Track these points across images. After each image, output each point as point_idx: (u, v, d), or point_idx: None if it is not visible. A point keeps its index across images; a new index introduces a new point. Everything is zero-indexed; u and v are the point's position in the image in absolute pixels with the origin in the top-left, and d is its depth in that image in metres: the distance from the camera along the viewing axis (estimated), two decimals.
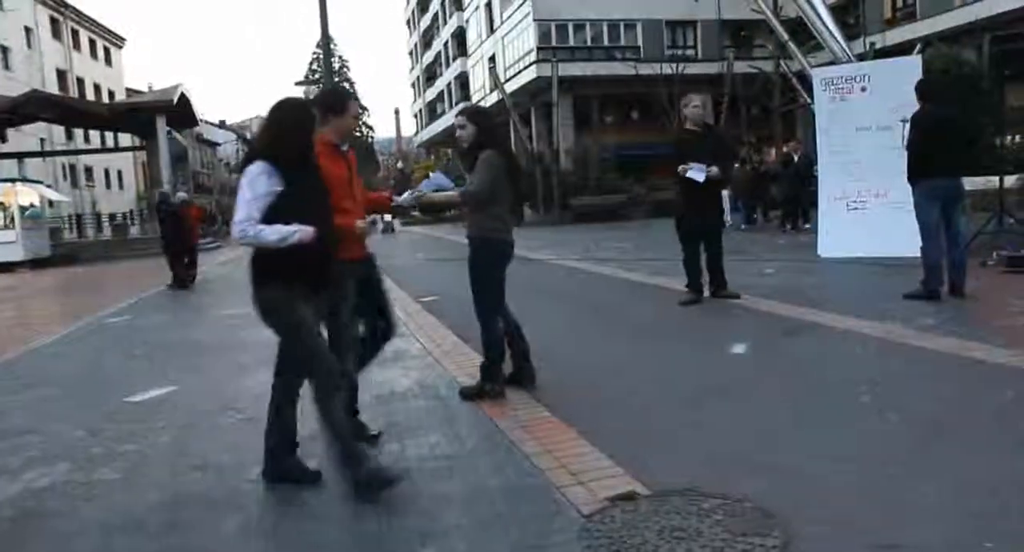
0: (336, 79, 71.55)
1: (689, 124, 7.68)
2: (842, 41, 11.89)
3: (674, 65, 30.64)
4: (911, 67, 10.25)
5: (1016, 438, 3.44)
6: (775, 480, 3.12)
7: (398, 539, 2.85)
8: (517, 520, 2.91)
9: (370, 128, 77.84)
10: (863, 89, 10.32)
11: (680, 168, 7.34)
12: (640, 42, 35.18)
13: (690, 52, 35.28)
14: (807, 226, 15.43)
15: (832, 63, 11.81)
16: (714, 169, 7.23)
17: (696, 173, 7.26)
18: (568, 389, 4.83)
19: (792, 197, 16.69)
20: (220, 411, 4.82)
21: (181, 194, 16.83)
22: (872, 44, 23.63)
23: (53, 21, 43.38)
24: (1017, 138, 19.11)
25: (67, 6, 44.50)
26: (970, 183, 9.02)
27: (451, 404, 4.59)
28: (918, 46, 17.94)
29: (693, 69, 31.58)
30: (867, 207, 10.36)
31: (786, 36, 15.99)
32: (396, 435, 4.04)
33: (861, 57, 16.53)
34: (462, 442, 3.86)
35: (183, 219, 13.92)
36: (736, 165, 19.86)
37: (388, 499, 3.16)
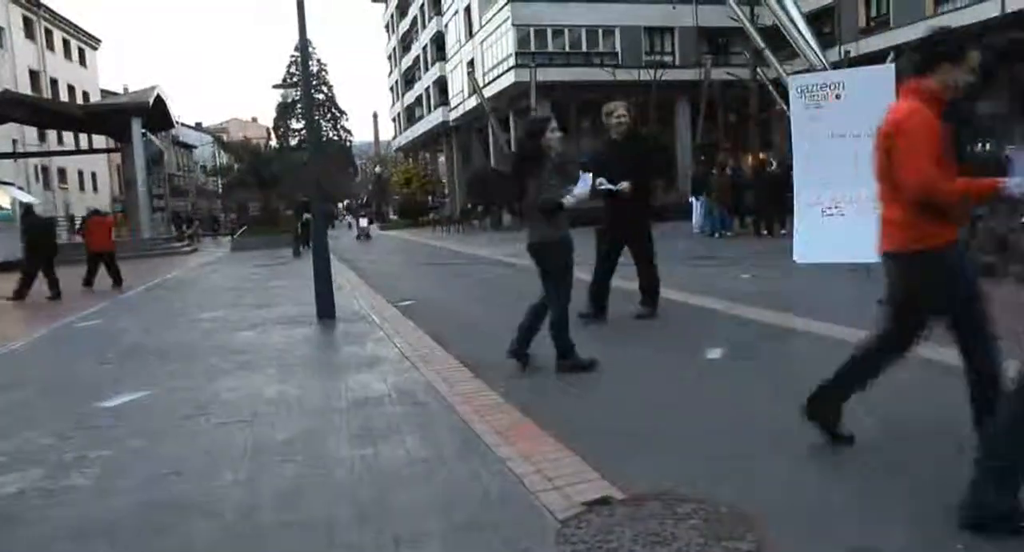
0: (315, 82, 71.51)
1: (614, 134, 7.21)
2: (817, 49, 12.06)
3: (652, 71, 30.86)
4: (885, 75, 10.38)
5: None
6: (751, 484, 3.15)
7: (374, 544, 2.84)
8: (493, 526, 2.90)
9: (348, 132, 77.67)
10: (838, 97, 10.41)
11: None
12: (619, 48, 35.37)
13: (668, 58, 35.52)
14: (783, 232, 15.58)
15: (807, 70, 11.95)
16: (624, 184, 6.73)
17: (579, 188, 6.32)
18: (544, 393, 4.84)
19: (766, 203, 16.85)
20: (194, 415, 4.77)
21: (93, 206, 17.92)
22: (847, 52, 23.98)
23: (26, 21, 42.75)
24: (987, 147, 19.42)
25: (41, 6, 43.87)
26: None
27: (428, 409, 4.58)
28: (891, 55, 18.19)
29: (671, 75, 31.84)
30: (842, 213, 10.45)
31: (762, 44, 16.21)
32: (372, 440, 4.02)
33: (836, 65, 16.77)
34: (438, 447, 3.85)
35: (91, 230, 14.79)
36: (714, 172, 20.07)
37: (365, 505, 3.16)
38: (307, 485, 3.46)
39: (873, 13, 29.14)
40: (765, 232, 16.60)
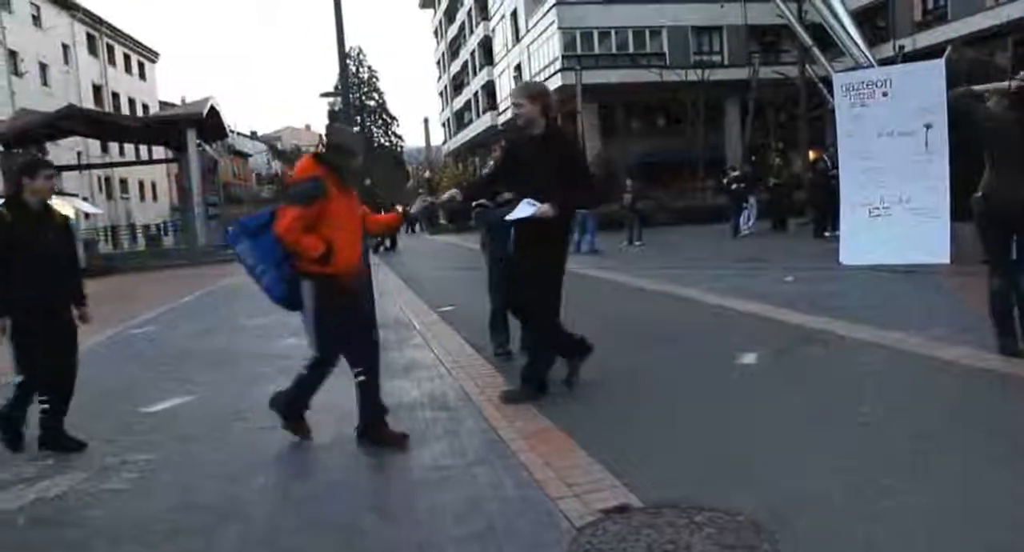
0: (366, 89, 72.53)
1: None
2: (863, 46, 11.78)
3: (700, 71, 30.50)
4: (933, 72, 10.11)
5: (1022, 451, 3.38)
6: (772, 494, 3.10)
7: (392, 548, 2.89)
8: (509, 532, 2.93)
9: (399, 137, 78.47)
10: (884, 94, 10.20)
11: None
12: (666, 49, 35.06)
13: (716, 58, 35.08)
14: (837, 233, 15.19)
15: (854, 68, 11.70)
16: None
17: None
18: (571, 399, 4.84)
19: (818, 203, 16.50)
20: (232, 421, 4.90)
21: None
22: (901, 47, 23.31)
23: (89, 38, 44.43)
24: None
25: (103, 23, 45.55)
26: None
27: (458, 414, 4.62)
28: (948, 49, 17.66)
29: (719, 75, 31.44)
30: (890, 214, 10.22)
31: (809, 41, 15.88)
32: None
33: (890, 61, 16.32)
34: (464, 453, 3.89)
35: None
36: (770, 183, 19.98)
37: (388, 511, 3.22)
38: (334, 490, 3.53)
39: (930, 5, 28.33)
40: (827, 233, 16.12)
